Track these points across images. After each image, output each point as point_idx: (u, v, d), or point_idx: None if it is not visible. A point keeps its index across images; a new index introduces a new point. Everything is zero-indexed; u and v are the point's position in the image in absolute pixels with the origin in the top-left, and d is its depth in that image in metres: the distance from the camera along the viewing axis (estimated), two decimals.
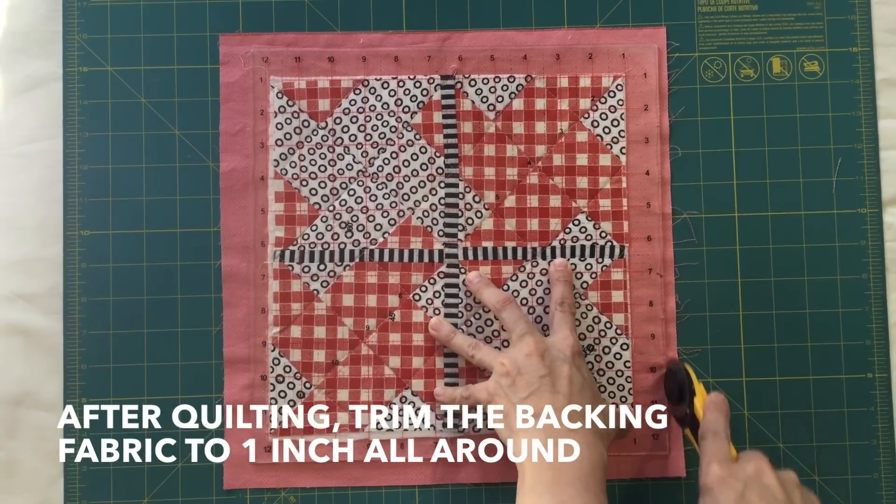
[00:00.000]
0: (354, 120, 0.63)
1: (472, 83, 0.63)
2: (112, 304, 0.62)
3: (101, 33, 0.63)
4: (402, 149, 0.62)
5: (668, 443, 0.62)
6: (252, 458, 0.62)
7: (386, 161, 0.63)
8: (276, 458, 0.61)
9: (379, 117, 0.62)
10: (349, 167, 0.62)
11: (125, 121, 0.63)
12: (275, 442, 0.62)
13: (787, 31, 0.64)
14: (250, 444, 0.62)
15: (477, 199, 0.62)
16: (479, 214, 0.62)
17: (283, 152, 0.62)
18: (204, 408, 0.62)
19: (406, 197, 0.63)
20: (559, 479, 0.51)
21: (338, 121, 0.62)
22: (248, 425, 0.62)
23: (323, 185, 0.62)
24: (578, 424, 0.54)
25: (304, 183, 0.62)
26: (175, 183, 0.63)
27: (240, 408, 0.62)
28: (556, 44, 0.63)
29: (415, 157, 0.63)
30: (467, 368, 0.62)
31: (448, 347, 0.62)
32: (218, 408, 0.62)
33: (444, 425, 0.62)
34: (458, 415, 0.62)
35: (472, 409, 0.61)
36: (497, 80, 0.63)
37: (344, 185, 0.62)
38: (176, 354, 0.62)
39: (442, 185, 0.62)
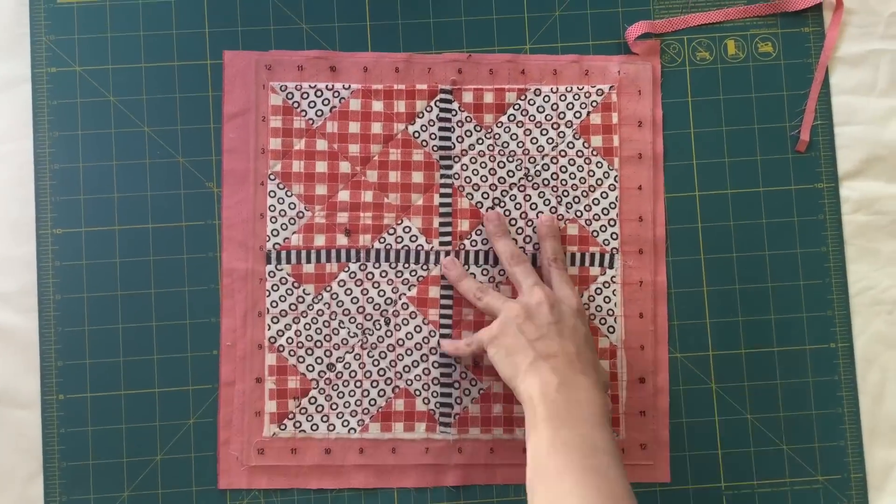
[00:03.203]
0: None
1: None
2: (86, 301, 0.63)
3: (69, 34, 0.64)
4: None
5: (654, 453, 0.63)
6: (245, 459, 0.62)
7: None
8: (269, 462, 0.62)
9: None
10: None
11: (94, 119, 0.64)
12: (268, 440, 0.62)
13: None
14: (243, 440, 0.62)
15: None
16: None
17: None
18: (182, 399, 0.62)
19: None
20: (577, 415, 0.52)
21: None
22: (241, 421, 0.63)
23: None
24: (587, 372, 0.54)
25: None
26: (145, 179, 0.64)
27: (235, 403, 0.63)
28: (552, 62, 0.65)
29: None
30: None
31: (456, 288, 0.62)
32: (192, 398, 0.62)
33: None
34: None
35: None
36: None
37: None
38: (151, 348, 0.63)
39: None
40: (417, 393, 0.63)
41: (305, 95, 0.64)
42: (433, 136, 0.64)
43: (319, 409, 0.63)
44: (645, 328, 0.64)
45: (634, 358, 0.63)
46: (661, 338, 0.64)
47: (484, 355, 0.62)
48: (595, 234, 0.64)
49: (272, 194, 0.64)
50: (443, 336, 0.63)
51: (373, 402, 0.63)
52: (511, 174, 0.64)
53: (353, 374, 0.63)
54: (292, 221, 0.63)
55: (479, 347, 0.59)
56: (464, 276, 0.62)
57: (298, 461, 0.62)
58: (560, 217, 0.64)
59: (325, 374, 0.63)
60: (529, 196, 0.64)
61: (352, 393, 0.63)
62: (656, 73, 0.65)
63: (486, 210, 0.64)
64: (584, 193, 0.64)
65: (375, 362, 0.63)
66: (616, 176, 0.64)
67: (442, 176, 0.64)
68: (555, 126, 0.64)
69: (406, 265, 0.64)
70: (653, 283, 0.64)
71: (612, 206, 0.64)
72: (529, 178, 0.64)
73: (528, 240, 0.64)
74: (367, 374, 0.63)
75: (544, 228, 0.62)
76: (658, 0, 0.66)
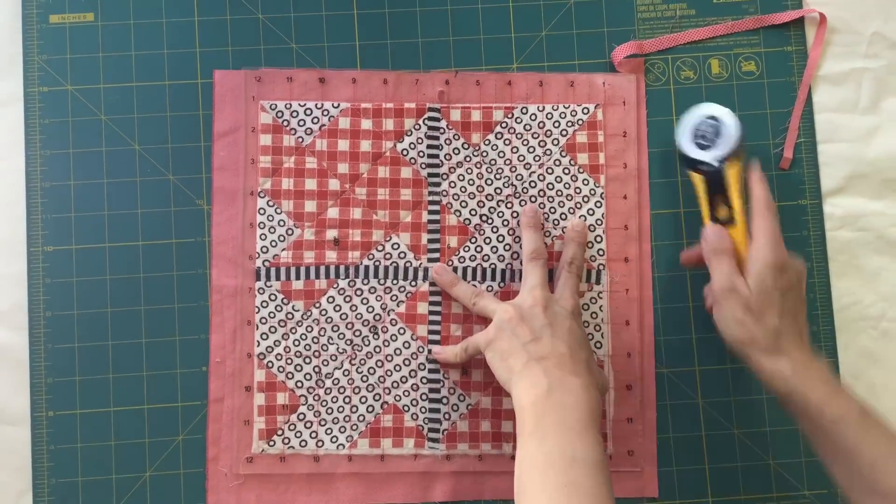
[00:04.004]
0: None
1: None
2: (77, 318, 0.63)
3: (61, 53, 0.65)
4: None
5: (642, 460, 0.63)
6: (234, 471, 0.63)
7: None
8: (258, 470, 0.63)
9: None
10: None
11: (86, 138, 0.64)
12: (257, 454, 0.63)
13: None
14: (232, 456, 0.63)
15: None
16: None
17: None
18: (171, 415, 0.63)
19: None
20: (562, 421, 0.52)
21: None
22: (230, 437, 0.63)
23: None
24: (579, 372, 0.55)
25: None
26: (136, 197, 0.64)
27: (223, 419, 0.63)
28: (539, 76, 0.66)
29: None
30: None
31: (450, 294, 0.63)
32: (182, 415, 0.63)
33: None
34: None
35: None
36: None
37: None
38: (141, 365, 0.63)
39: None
40: (406, 409, 0.63)
41: (295, 114, 0.65)
42: (421, 154, 0.65)
43: (308, 424, 0.63)
44: (632, 336, 0.64)
45: (621, 365, 0.64)
46: (648, 349, 0.64)
47: (470, 364, 0.63)
48: None
49: (262, 211, 0.64)
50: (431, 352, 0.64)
51: (361, 418, 0.63)
52: (499, 191, 0.65)
53: (341, 389, 0.63)
54: (282, 238, 0.64)
55: (475, 351, 0.60)
56: (456, 280, 0.63)
57: (287, 477, 0.63)
58: (547, 234, 0.65)
59: (314, 389, 0.63)
60: (517, 213, 0.65)
61: (340, 409, 0.63)
62: (640, 86, 0.66)
63: (474, 226, 0.65)
64: (571, 210, 0.65)
65: (364, 378, 0.64)
66: (602, 193, 0.65)
67: (430, 193, 0.65)
68: (541, 143, 0.65)
69: (395, 281, 0.64)
70: (639, 293, 0.64)
71: (599, 222, 0.65)
72: (517, 195, 0.65)
73: (515, 256, 0.64)
74: (356, 390, 0.63)
75: (572, 233, 0.63)
76: (642, 21, 0.66)
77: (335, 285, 0.64)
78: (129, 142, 0.64)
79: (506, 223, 0.65)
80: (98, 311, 0.63)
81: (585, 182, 0.65)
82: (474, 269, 0.64)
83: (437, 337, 0.64)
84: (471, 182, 0.65)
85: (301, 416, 0.63)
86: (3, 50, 0.65)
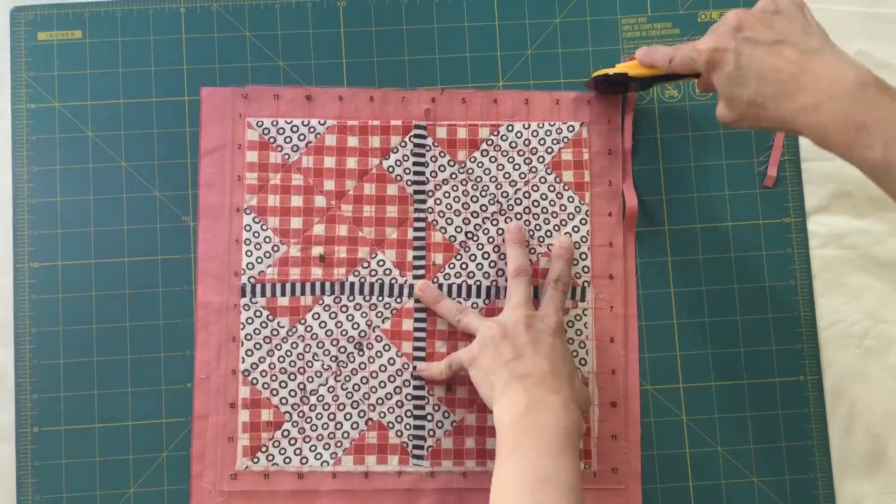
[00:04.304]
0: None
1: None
2: (62, 334, 0.63)
3: (48, 70, 0.65)
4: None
5: (626, 478, 0.63)
6: (218, 487, 0.63)
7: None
8: (242, 487, 0.63)
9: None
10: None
11: (73, 154, 0.65)
12: (241, 471, 0.63)
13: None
14: (216, 473, 0.63)
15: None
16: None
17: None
18: (155, 432, 0.63)
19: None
20: (538, 441, 0.52)
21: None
22: (215, 454, 0.63)
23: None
24: (559, 390, 0.55)
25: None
26: (122, 213, 0.64)
27: (208, 436, 0.63)
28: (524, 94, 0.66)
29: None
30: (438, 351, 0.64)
31: (434, 310, 0.63)
32: (166, 431, 0.63)
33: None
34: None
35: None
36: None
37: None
38: (126, 381, 0.63)
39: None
40: (391, 425, 0.63)
41: (281, 131, 0.65)
42: (407, 171, 0.65)
43: (292, 441, 0.63)
44: (616, 352, 0.64)
45: (606, 383, 0.64)
46: (633, 366, 0.64)
47: (455, 381, 0.63)
48: None
49: (248, 228, 0.64)
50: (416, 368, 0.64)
51: (346, 435, 0.63)
52: (484, 208, 0.65)
53: (326, 406, 0.64)
54: (267, 255, 0.64)
55: (459, 368, 0.60)
56: (440, 297, 0.63)
57: (271, 494, 0.63)
58: (532, 251, 0.65)
59: (299, 406, 0.63)
60: (503, 230, 0.65)
61: (325, 425, 0.63)
62: (629, 102, 0.66)
63: (460, 243, 0.65)
64: (556, 227, 0.65)
65: (349, 394, 0.64)
66: (587, 210, 0.65)
67: (416, 210, 0.65)
68: (527, 161, 0.65)
69: (380, 298, 0.64)
70: (623, 310, 0.65)
71: (584, 239, 0.65)
72: (502, 212, 0.65)
73: (500, 273, 0.65)
74: (341, 407, 0.64)
75: (559, 250, 0.63)
76: (627, 40, 0.67)
77: (320, 302, 0.64)
78: (115, 158, 0.65)
79: (491, 240, 0.65)
80: (83, 328, 0.63)
81: (570, 199, 0.65)
82: (459, 286, 0.65)
83: (422, 354, 0.64)
84: (456, 199, 0.65)
85: (285, 433, 0.63)
86: None
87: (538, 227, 0.65)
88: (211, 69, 0.66)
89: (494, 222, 0.65)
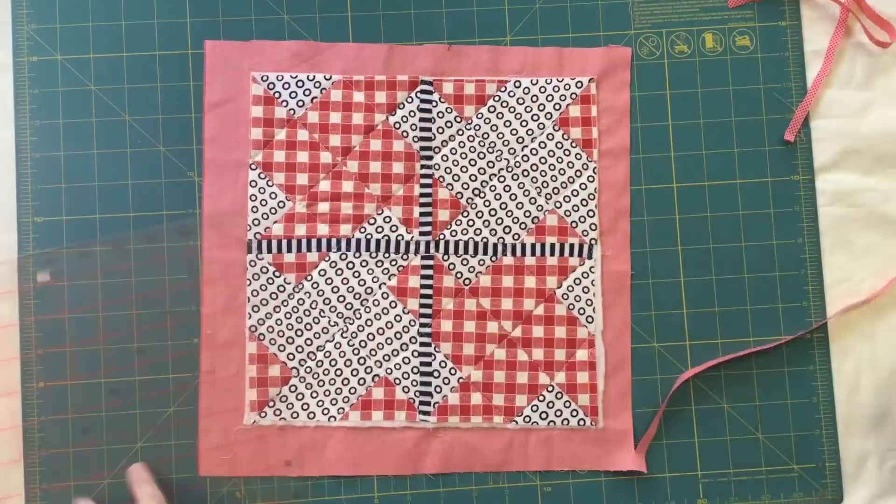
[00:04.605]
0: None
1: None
2: (67, 288, 0.63)
3: (50, 23, 0.64)
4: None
5: (631, 435, 0.63)
6: (226, 442, 0.63)
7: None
8: (250, 441, 0.63)
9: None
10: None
11: (75, 108, 0.64)
12: (248, 426, 0.63)
13: (719, 8, 0.66)
14: (224, 428, 0.63)
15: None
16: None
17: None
18: (162, 387, 0.63)
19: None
20: None
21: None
22: (222, 409, 0.63)
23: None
24: None
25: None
26: (126, 168, 0.64)
27: (215, 391, 0.63)
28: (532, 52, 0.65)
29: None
30: (442, 333, 0.64)
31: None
32: (173, 387, 0.63)
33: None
34: (426, 404, 0.63)
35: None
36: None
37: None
38: (132, 337, 0.63)
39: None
40: (397, 381, 0.63)
41: (287, 86, 0.64)
42: (414, 127, 0.65)
43: (300, 397, 0.63)
44: (623, 310, 0.64)
45: (613, 339, 0.64)
46: (639, 323, 0.64)
47: (462, 338, 0.63)
48: (574, 224, 0.64)
49: (253, 184, 0.64)
50: (423, 325, 0.64)
51: (353, 391, 0.63)
52: (491, 165, 0.65)
53: (333, 362, 0.64)
54: (273, 211, 0.64)
55: None
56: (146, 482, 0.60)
57: (279, 449, 0.63)
58: (539, 207, 0.64)
59: (306, 362, 0.63)
60: (509, 187, 0.65)
61: (332, 381, 0.63)
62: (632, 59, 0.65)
63: (466, 200, 0.64)
64: (563, 184, 0.65)
65: (356, 351, 0.64)
66: (595, 168, 0.65)
67: (422, 167, 0.65)
68: (534, 118, 0.65)
69: (386, 254, 0.64)
70: (630, 267, 0.64)
71: (591, 196, 0.65)
72: (509, 169, 0.65)
73: (507, 230, 0.64)
74: (348, 363, 0.64)
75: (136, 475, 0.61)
76: None
77: (327, 258, 0.64)
78: (119, 112, 0.64)
79: (498, 197, 0.65)
80: (88, 283, 0.63)
81: (578, 157, 0.65)
82: (466, 244, 0.64)
83: (428, 311, 0.64)
84: (463, 156, 0.65)
85: (293, 388, 0.63)
86: None
87: (545, 185, 0.65)
88: (214, 22, 0.65)
89: (501, 179, 0.65)
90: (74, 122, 0.64)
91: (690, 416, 0.64)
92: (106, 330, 0.63)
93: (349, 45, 0.65)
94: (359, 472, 0.63)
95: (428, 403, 0.63)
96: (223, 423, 0.63)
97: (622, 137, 0.65)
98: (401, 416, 0.63)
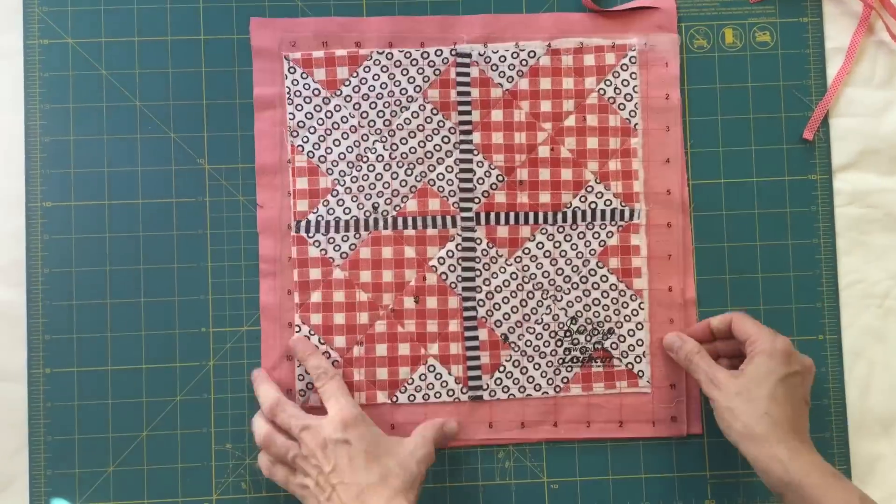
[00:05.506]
0: (372, 89, 0.63)
1: (487, 59, 0.64)
2: (74, 275, 0.63)
3: (62, 6, 0.63)
4: (420, 126, 0.64)
5: (680, 394, 0.63)
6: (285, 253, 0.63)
7: (403, 139, 0.64)
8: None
9: (397, 84, 0.63)
10: (364, 138, 0.63)
11: (86, 93, 0.63)
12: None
13: (739, 3, 0.65)
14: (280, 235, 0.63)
15: (490, 171, 0.63)
16: (494, 186, 0.63)
17: (304, 134, 0.63)
18: (169, 375, 0.62)
19: (421, 162, 0.64)
20: None
21: (356, 90, 0.63)
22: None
23: (342, 156, 0.63)
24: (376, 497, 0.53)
25: (322, 159, 0.63)
26: (137, 154, 0.63)
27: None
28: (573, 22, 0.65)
29: (434, 131, 0.64)
30: (489, 341, 0.63)
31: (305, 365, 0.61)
32: (179, 376, 0.62)
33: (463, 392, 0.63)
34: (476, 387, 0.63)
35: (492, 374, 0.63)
36: (515, 55, 0.64)
37: (360, 157, 0.63)
38: (139, 324, 0.63)
39: (457, 161, 0.64)
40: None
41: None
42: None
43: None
44: (672, 270, 0.64)
45: (663, 298, 0.64)
46: (689, 280, 0.64)
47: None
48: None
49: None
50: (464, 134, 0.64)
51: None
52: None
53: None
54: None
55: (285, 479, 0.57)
56: (313, 351, 0.61)
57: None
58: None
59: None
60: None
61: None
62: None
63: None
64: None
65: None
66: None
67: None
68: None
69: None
70: (680, 226, 0.64)
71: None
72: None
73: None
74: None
75: (300, 346, 0.61)
76: None
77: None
78: (129, 98, 0.63)
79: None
80: (96, 269, 0.63)
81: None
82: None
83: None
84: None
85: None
86: (3, 2, 0.64)
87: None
88: (228, 7, 0.64)
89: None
90: (84, 106, 0.63)
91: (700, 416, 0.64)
92: (113, 316, 0.62)
93: (389, 20, 0.64)
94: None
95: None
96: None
97: (673, 95, 0.64)
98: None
